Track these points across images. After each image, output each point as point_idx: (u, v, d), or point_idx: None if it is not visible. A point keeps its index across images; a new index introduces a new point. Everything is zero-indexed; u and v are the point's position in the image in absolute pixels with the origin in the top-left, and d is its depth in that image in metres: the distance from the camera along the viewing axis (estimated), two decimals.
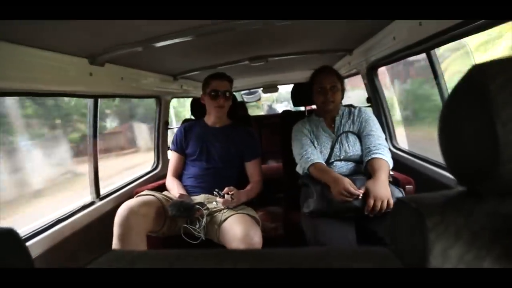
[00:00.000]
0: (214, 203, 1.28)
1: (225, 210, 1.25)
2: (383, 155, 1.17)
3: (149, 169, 2.10)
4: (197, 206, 1.20)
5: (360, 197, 1.05)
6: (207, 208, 1.24)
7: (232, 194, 1.24)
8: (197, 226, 1.20)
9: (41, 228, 1.12)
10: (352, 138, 1.28)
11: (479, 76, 0.27)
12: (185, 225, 1.22)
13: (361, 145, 1.27)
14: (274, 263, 0.28)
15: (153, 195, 1.28)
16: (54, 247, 1.12)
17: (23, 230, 1.08)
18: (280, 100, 7.16)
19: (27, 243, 1.03)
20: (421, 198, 0.31)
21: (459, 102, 0.30)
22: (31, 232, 1.08)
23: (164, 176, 1.57)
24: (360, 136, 1.28)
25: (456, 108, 0.30)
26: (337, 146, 1.28)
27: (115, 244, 1.09)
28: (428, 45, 1.13)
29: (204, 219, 1.20)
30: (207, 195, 1.35)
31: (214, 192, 1.25)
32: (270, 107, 6.58)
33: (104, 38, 1.01)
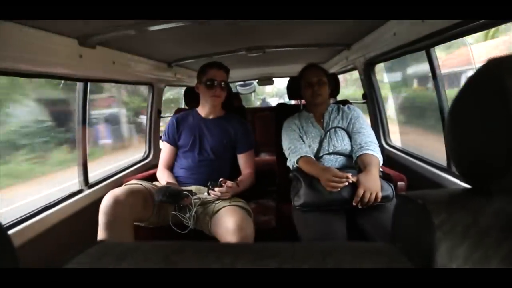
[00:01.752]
0: (205, 193, 1.26)
1: (217, 202, 1.24)
2: (374, 152, 1.20)
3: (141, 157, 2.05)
4: (185, 193, 1.19)
5: (350, 182, 1.06)
6: (198, 198, 1.23)
7: (225, 185, 1.23)
8: (187, 215, 1.19)
9: (26, 215, 1.08)
10: (341, 133, 1.31)
11: (496, 70, 0.26)
12: (174, 212, 1.20)
13: (350, 140, 1.30)
14: (277, 259, 0.26)
15: (141, 184, 1.26)
16: (39, 235, 1.08)
17: None
18: (279, 94, 7.23)
19: (11, 231, 0.99)
20: (427, 194, 0.30)
21: (472, 97, 0.29)
22: (15, 220, 1.04)
23: (155, 166, 1.54)
24: (349, 132, 1.31)
25: (467, 104, 0.29)
26: (325, 140, 1.31)
27: (100, 233, 1.07)
28: (428, 42, 1.12)
29: (194, 208, 1.19)
30: (198, 186, 1.34)
31: (209, 186, 1.24)
32: (263, 100, 6.63)
33: (96, 18, 0.95)
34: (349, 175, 1.07)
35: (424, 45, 1.18)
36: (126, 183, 1.28)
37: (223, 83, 1.41)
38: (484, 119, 0.27)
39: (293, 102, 2.04)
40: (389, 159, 1.69)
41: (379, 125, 1.87)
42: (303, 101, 1.74)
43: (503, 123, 0.24)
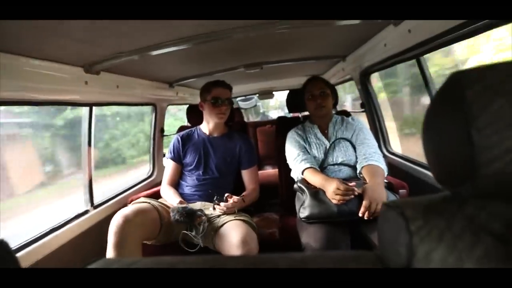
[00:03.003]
0: (211, 209, 1.28)
1: (221, 217, 1.25)
2: (379, 162, 1.20)
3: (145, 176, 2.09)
4: (199, 213, 1.20)
5: (356, 194, 1.05)
6: (205, 215, 1.24)
7: (231, 200, 1.24)
8: (194, 232, 1.20)
9: (33, 238, 1.10)
10: (345, 145, 1.32)
11: (457, 83, 0.28)
12: (185, 232, 1.21)
13: (354, 151, 1.30)
14: (265, 267, 0.28)
15: (149, 203, 1.28)
16: (46, 257, 1.10)
17: None
18: (281, 107, 7.31)
19: (19, 254, 1.01)
20: (406, 202, 0.32)
21: (440, 108, 0.31)
22: (22, 243, 1.07)
23: (159, 184, 1.56)
24: (354, 143, 1.31)
25: (437, 114, 0.31)
26: (330, 152, 1.31)
27: (109, 253, 1.07)
28: (417, 51, 1.16)
29: (203, 226, 1.20)
30: (203, 202, 1.35)
31: (215, 200, 1.25)
32: (263, 113, 6.63)
33: (99, 47, 1.02)
34: (355, 187, 1.06)
35: (414, 54, 1.21)
36: (133, 202, 1.30)
37: (227, 101, 1.46)
38: (450, 128, 0.29)
39: (290, 115, 2.06)
40: (390, 167, 1.68)
41: (378, 133, 1.88)
42: (302, 114, 1.78)
43: (465, 131, 0.27)
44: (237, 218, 1.22)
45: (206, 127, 1.51)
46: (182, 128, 1.80)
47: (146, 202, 1.28)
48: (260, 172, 1.72)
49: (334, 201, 1.07)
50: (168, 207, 1.29)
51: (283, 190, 1.52)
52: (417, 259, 0.27)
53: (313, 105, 1.36)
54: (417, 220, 0.29)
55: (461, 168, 0.28)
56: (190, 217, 1.17)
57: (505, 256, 0.25)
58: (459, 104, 0.27)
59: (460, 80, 0.28)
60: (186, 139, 1.52)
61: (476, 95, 0.27)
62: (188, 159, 1.46)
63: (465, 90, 0.27)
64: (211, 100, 1.43)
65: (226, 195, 1.25)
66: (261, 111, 6.15)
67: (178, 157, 1.49)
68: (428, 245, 0.27)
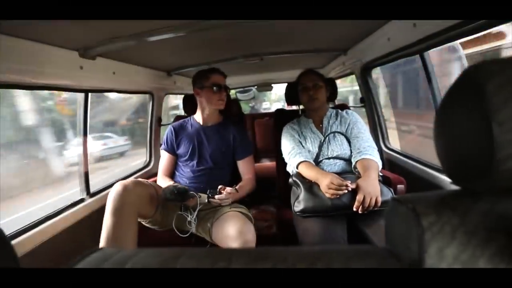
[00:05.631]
0: (206, 201, 1.27)
1: (218, 209, 1.24)
2: (373, 156, 1.21)
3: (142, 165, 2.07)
4: (192, 193, 1.20)
5: (350, 189, 1.06)
6: (202, 202, 1.25)
7: (224, 191, 1.24)
8: (189, 217, 1.21)
9: (29, 225, 1.09)
10: (340, 138, 1.32)
11: (476, 76, 0.27)
12: (180, 212, 1.21)
13: (349, 145, 1.30)
14: (270, 262, 0.27)
15: (148, 182, 1.28)
16: (42, 244, 1.09)
17: None
18: (279, 100, 7.39)
19: (14, 241, 1.00)
20: (417, 197, 0.31)
21: (456, 101, 0.30)
22: (17, 230, 1.05)
23: (156, 174, 1.55)
24: (348, 137, 1.32)
25: (452, 107, 0.30)
26: (325, 145, 1.31)
27: (106, 219, 1.08)
28: (421, 46, 1.14)
29: (198, 207, 1.21)
30: (199, 193, 1.34)
31: (208, 194, 1.24)
32: (252, 107, 6.55)
33: (96, 31, 0.98)
34: (349, 183, 1.07)
35: (418, 49, 1.20)
36: None
37: (225, 87, 1.44)
38: (467, 122, 0.28)
39: (282, 105, 2.05)
40: (389, 162, 1.69)
41: (377, 128, 1.88)
42: (300, 106, 1.76)
43: (483, 125, 0.26)
44: (233, 210, 1.22)
45: (200, 116, 1.48)
46: (178, 118, 1.77)
47: (145, 180, 1.29)
48: (257, 164, 1.71)
49: (328, 195, 1.08)
50: None
51: (280, 183, 1.51)
52: (429, 255, 0.27)
53: (305, 97, 1.36)
54: (429, 216, 0.28)
55: (477, 163, 0.27)
56: (181, 195, 1.17)
57: None
58: (478, 97, 0.26)
59: (479, 72, 0.27)
60: (179, 129, 1.49)
61: (497, 88, 0.25)
62: (182, 149, 1.45)
63: (485, 83, 0.26)
64: (212, 87, 1.40)
65: (219, 187, 1.24)
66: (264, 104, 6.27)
67: (171, 148, 1.48)
68: (440, 241, 0.27)
